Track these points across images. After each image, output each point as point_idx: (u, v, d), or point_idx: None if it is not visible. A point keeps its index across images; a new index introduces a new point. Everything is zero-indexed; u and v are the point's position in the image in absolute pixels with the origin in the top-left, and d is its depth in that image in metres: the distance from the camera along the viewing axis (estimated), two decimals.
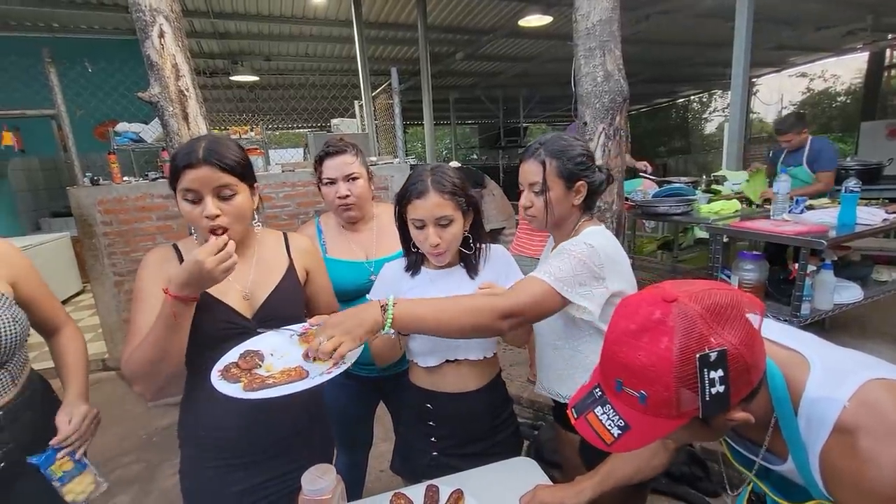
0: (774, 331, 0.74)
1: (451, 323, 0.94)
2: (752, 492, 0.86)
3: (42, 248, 4.98)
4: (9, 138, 4.54)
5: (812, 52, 10.95)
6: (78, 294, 5.59)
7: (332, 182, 1.40)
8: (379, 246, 1.46)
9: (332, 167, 1.39)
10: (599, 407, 0.66)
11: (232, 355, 0.97)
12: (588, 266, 1.02)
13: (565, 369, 1.20)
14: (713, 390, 0.57)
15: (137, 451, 2.66)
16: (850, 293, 2.36)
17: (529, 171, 1.14)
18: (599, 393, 0.67)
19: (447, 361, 1.19)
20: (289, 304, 1.11)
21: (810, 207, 2.59)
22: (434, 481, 1.09)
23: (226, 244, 0.88)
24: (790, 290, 2.23)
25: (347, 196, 1.39)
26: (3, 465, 1.01)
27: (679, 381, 0.58)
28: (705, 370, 0.57)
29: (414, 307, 0.94)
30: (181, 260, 1.04)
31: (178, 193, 0.98)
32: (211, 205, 0.96)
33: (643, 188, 3.21)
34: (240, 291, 1.06)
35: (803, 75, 12.87)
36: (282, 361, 0.96)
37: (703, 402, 0.57)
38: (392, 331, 0.92)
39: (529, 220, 1.19)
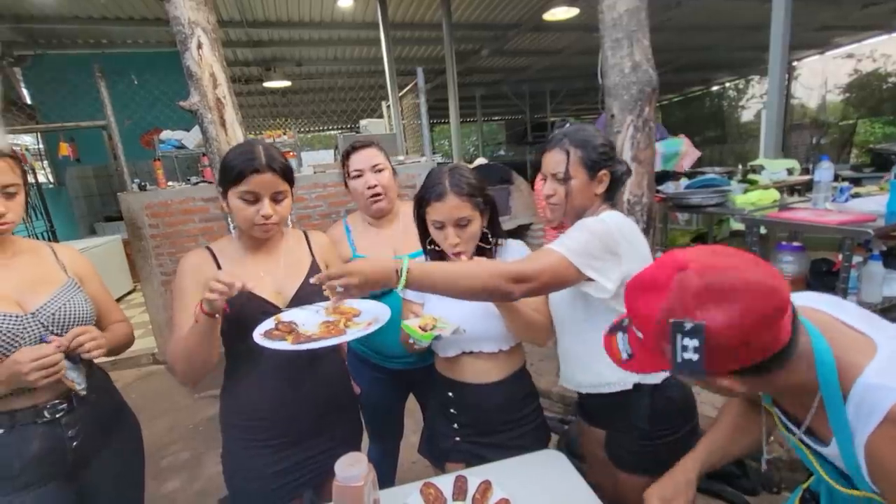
0: (851, 314, 0.72)
1: (460, 282, 0.97)
2: (808, 489, 0.85)
3: (96, 251, 5.31)
4: (65, 149, 4.89)
5: (859, 32, 10.26)
6: (130, 293, 5.94)
7: (360, 175, 1.45)
8: (406, 242, 1.50)
9: (358, 160, 1.45)
10: (620, 332, 0.75)
11: (267, 324, 1.05)
12: (603, 240, 1.02)
13: (586, 356, 1.18)
14: (685, 356, 0.60)
15: (185, 440, 2.83)
16: None
17: (553, 161, 1.15)
18: (626, 322, 0.75)
19: (464, 353, 1.22)
20: (315, 296, 1.18)
21: (856, 195, 2.46)
22: (463, 472, 1.12)
23: None
24: (833, 283, 2.13)
25: (376, 185, 1.44)
26: (76, 444, 1.11)
27: (657, 336, 0.64)
28: (678, 335, 0.60)
29: (426, 269, 0.98)
30: (215, 260, 1.14)
31: (234, 193, 1.07)
32: (269, 207, 1.07)
33: (680, 161, 3.00)
34: (271, 286, 1.15)
35: (850, 56, 12.06)
36: (312, 328, 1.04)
37: (673, 362, 0.61)
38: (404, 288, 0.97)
39: (551, 209, 1.20)
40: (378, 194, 1.45)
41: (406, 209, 1.58)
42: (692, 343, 0.59)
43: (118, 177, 3.69)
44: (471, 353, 1.22)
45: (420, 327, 1.09)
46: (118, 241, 5.87)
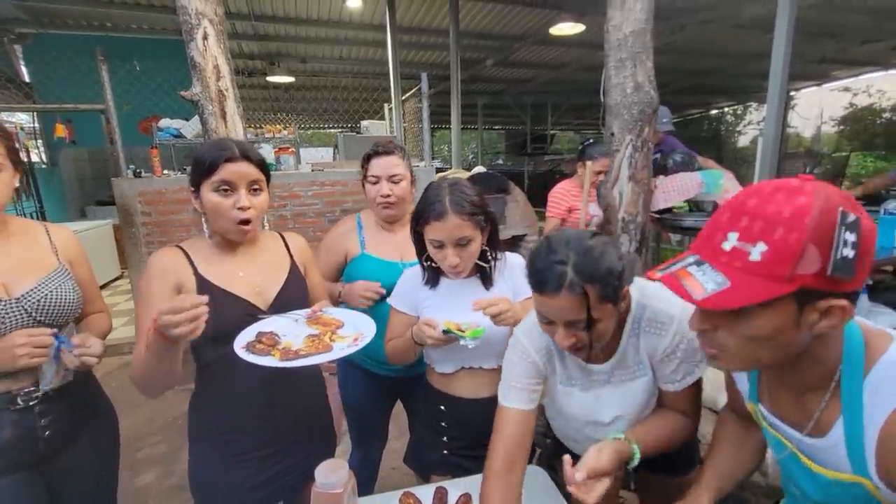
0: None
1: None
2: None
3: (86, 234, 5.22)
4: (61, 130, 4.84)
5: (857, 66, 10.51)
6: (116, 279, 5.86)
7: (377, 181, 1.44)
8: (412, 250, 1.49)
9: (378, 166, 1.44)
10: (695, 266, 0.64)
11: (248, 335, 1.00)
12: None
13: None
14: (845, 251, 0.56)
15: (163, 432, 2.78)
16: (886, 319, 2.26)
17: (562, 308, 0.83)
18: (693, 259, 0.66)
19: (463, 368, 1.21)
20: (297, 298, 1.16)
21: None
22: (443, 483, 1.11)
23: (193, 307, 0.82)
24: None
25: (389, 196, 1.43)
26: (48, 434, 1.08)
27: (812, 232, 0.56)
28: (843, 228, 0.56)
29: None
30: (190, 261, 1.06)
31: (209, 186, 1.01)
32: (245, 197, 1.02)
33: (723, 196, 2.83)
34: (252, 288, 1.10)
35: (846, 90, 12.33)
36: (296, 341, 1.01)
37: (833, 259, 0.56)
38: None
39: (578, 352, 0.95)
40: (389, 201, 1.43)
41: None
42: (851, 238, 0.56)
43: (113, 162, 3.63)
44: (470, 368, 1.20)
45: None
46: (109, 227, 5.80)
